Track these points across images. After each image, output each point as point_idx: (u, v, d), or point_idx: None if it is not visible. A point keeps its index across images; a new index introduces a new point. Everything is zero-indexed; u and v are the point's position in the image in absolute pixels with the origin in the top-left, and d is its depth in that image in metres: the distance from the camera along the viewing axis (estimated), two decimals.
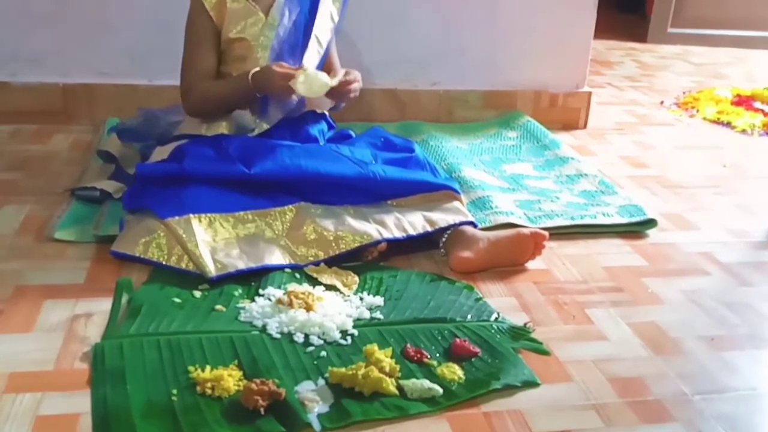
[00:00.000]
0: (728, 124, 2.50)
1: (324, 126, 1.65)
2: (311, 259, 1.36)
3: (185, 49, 1.57)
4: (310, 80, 1.46)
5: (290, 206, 1.42)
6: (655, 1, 3.83)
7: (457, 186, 1.54)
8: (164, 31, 2.01)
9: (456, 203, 1.49)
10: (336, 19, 1.65)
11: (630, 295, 1.38)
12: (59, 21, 2.00)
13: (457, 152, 2.00)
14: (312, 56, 1.60)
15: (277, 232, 1.39)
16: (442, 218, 1.44)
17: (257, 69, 1.49)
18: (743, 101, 2.72)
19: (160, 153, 1.50)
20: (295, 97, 1.53)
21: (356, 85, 1.54)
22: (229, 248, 1.34)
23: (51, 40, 2.02)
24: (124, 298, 1.24)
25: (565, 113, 2.35)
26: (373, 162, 1.50)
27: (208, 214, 1.37)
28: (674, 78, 3.16)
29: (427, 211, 1.46)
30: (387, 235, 1.40)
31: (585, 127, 2.37)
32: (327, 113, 1.68)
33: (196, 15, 1.55)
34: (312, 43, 1.60)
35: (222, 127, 1.53)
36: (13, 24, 1.99)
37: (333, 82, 1.49)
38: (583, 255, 1.52)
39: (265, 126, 1.54)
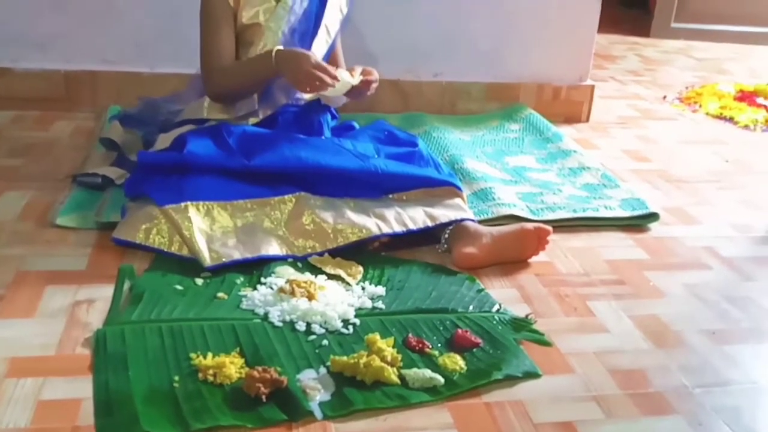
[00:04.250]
0: (731, 120, 2.49)
1: (328, 116, 1.65)
2: (309, 251, 1.36)
3: (204, 32, 1.54)
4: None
5: (290, 196, 1.42)
6: None
7: (459, 183, 1.54)
8: (168, 19, 2.01)
9: (458, 200, 1.49)
10: (345, 10, 1.65)
11: (632, 288, 1.38)
12: (63, 7, 2.00)
13: (459, 144, 1.99)
14: (320, 45, 1.59)
15: (275, 222, 1.39)
16: (444, 214, 1.44)
17: (281, 48, 1.48)
18: (746, 97, 2.72)
19: (163, 141, 1.50)
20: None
21: (374, 85, 1.56)
22: (226, 237, 1.34)
23: (54, 27, 2.01)
24: (126, 285, 1.24)
25: (568, 106, 2.34)
26: (376, 156, 1.50)
27: (206, 202, 1.36)
28: (677, 73, 3.15)
29: (429, 206, 1.45)
30: (386, 229, 1.39)
31: (587, 120, 2.37)
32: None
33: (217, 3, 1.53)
34: (321, 32, 1.59)
35: (224, 111, 1.53)
36: (17, 9, 1.99)
37: (355, 81, 1.50)
38: (585, 248, 1.52)
39: (269, 111, 1.54)
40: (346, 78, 1.50)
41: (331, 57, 1.63)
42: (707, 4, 3.81)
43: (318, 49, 1.58)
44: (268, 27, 1.54)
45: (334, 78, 1.45)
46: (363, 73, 1.54)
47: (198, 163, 1.40)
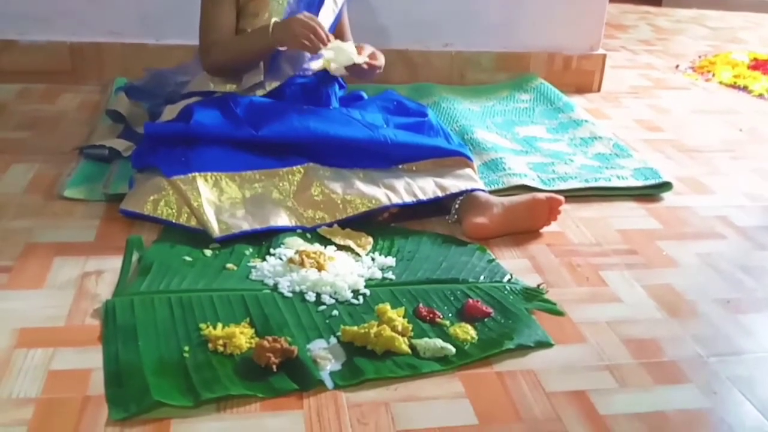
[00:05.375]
0: (745, 89, 2.46)
1: (336, 86, 1.63)
2: (318, 221, 1.35)
3: (204, 6, 1.52)
4: (339, 51, 1.46)
5: (298, 167, 1.40)
6: None
7: (469, 153, 1.52)
8: None
9: (468, 170, 1.47)
10: None
11: (644, 257, 1.36)
12: None
13: (469, 114, 1.97)
14: (327, 15, 1.57)
15: (284, 193, 1.37)
16: (454, 184, 1.42)
17: (277, 20, 1.46)
18: (760, 65, 2.67)
19: (170, 112, 1.48)
20: (308, 55, 1.51)
21: (378, 71, 1.55)
22: (235, 209, 1.33)
23: None
24: (135, 256, 1.23)
25: (579, 76, 2.31)
26: (385, 126, 1.47)
27: (214, 173, 1.35)
28: (690, 42, 3.10)
29: (439, 176, 1.44)
30: (396, 200, 1.38)
31: (599, 90, 2.33)
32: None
33: None
34: (328, 1, 1.56)
35: (230, 83, 1.51)
36: None
37: (360, 59, 1.49)
38: (597, 218, 1.50)
39: (275, 83, 1.52)
40: (351, 52, 1.48)
41: (337, 28, 1.61)
42: None
43: (325, 19, 1.55)
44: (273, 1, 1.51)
45: (327, 38, 1.44)
46: (370, 56, 1.52)
47: (205, 133, 1.38)
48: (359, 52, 1.51)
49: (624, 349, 1.09)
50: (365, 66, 1.51)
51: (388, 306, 1.11)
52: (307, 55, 1.52)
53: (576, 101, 2.14)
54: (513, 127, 1.93)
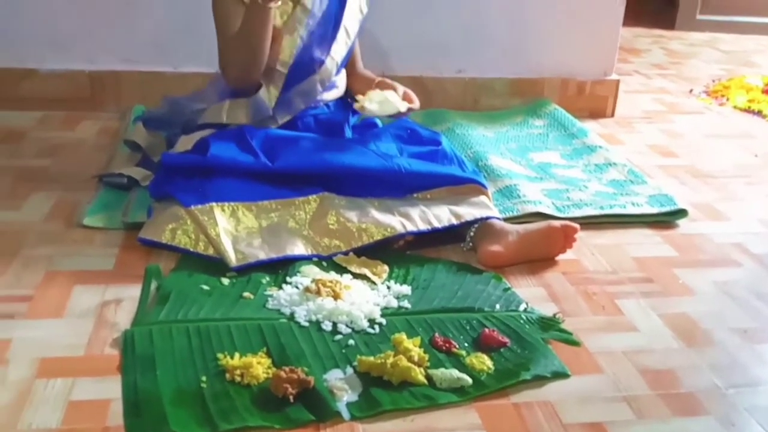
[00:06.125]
0: (759, 113, 2.45)
1: (349, 115, 1.64)
2: (333, 250, 1.36)
3: (219, 31, 1.53)
4: (385, 102, 1.52)
5: (314, 196, 1.42)
6: None
7: (484, 180, 1.52)
8: (189, 19, 2.02)
9: (483, 198, 1.48)
10: (364, 10, 1.64)
11: (660, 285, 1.36)
12: (86, 8, 2.01)
13: (483, 140, 1.98)
14: (340, 48, 1.59)
15: (300, 222, 1.38)
16: (469, 212, 1.43)
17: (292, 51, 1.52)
18: None
19: (185, 143, 1.50)
20: (320, 88, 1.53)
21: (413, 111, 1.60)
22: (251, 238, 1.34)
23: (78, 27, 2.03)
24: (153, 285, 1.25)
25: (593, 101, 2.32)
26: (399, 155, 1.49)
27: (231, 203, 1.37)
28: (703, 66, 3.10)
29: (454, 204, 1.44)
30: (411, 228, 1.38)
31: (613, 115, 2.34)
32: (350, 100, 1.67)
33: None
34: (341, 35, 1.58)
35: (242, 116, 1.52)
36: (40, 11, 2.00)
37: (403, 108, 1.54)
38: (612, 245, 1.50)
39: (287, 117, 1.54)
40: (396, 101, 1.53)
41: (350, 59, 1.63)
42: None
43: (338, 52, 1.58)
44: (286, 30, 1.52)
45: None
46: (406, 97, 1.57)
47: (222, 165, 1.40)
48: (399, 95, 1.57)
49: (641, 380, 1.08)
50: (407, 112, 1.54)
51: (404, 335, 1.11)
52: (319, 88, 1.54)
53: (590, 126, 2.15)
54: (527, 153, 1.94)
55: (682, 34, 3.72)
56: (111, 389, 0.99)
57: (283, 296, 1.22)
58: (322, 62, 1.55)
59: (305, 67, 1.53)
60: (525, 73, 2.26)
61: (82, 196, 1.55)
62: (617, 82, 2.32)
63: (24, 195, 1.55)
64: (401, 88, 1.60)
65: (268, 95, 1.52)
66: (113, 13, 2.03)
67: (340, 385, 1.02)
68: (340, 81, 1.65)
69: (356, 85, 1.67)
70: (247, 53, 1.49)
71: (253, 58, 1.49)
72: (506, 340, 1.14)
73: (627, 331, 1.21)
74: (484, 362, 1.08)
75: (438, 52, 2.20)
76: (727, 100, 2.58)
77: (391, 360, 1.03)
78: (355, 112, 1.68)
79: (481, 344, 1.13)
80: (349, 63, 1.64)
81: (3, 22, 2.00)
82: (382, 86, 1.61)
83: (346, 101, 1.67)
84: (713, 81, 2.82)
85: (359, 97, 1.54)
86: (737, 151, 2.11)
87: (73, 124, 1.98)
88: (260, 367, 1.03)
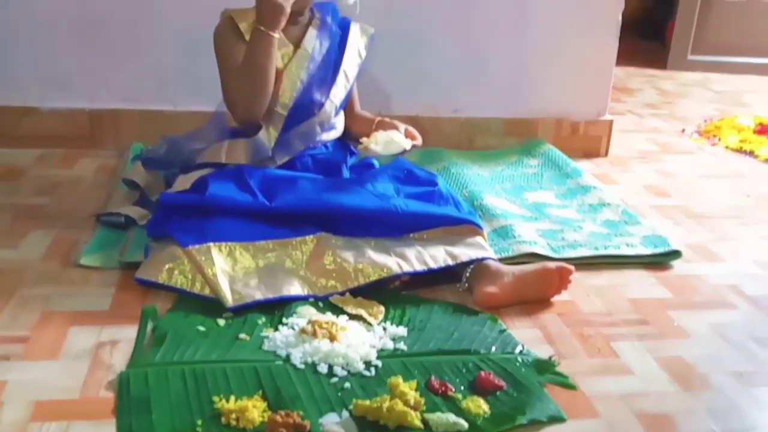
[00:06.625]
0: (751, 153, 2.48)
1: (346, 154, 1.66)
2: (330, 290, 1.36)
3: (223, 69, 1.56)
4: (389, 143, 1.54)
5: (311, 236, 1.43)
6: (675, 28, 3.83)
7: (479, 220, 1.54)
8: (189, 58, 2.05)
9: (478, 238, 1.49)
10: (363, 55, 1.67)
11: (656, 328, 1.36)
12: (87, 46, 2.04)
13: (478, 180, 2.00)
14: (339, 91, 1.61)
15: (296, 262, 1.39)
16: (464, 253, 1.44)
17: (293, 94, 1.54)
18: (766, 130, 2.71)
19: (183, 182, 1.51)
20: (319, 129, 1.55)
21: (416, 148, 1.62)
22: (248, 278, 1.34)
23: (79, 65, 2.05)
24: (149, 326, 1.25)
25: (587, 141, 2.35)
26: (396, 196, 1.50)
27: (228, 243, 1.37)
28: (695, 105, 3.15)
29: (449, 245, 1.46)
30: (407, 268, 1.39)
31: (606, 155, 2.37)
32: (350, 142, 1.69)
33: (231, 38, 1.55)
34: (340, 78, 1.61)
35: (240, 156, 1.53)
36: (41, 50, 2.03)
37: (408, 146, 1.55)
38: (607, 286, 1.51)
39: (285, 158, 1.55)
40: (401, 140, 1.54)
41: (348, 102, 1.65)
42: (724, 36, 3.82)
43: (337, 95, 1.60)
44: (287, 73, 1.55)
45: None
46: (407, 134, 1.58)
47: (220, 205, 1.41)
48: (402, 133, 1.58)
49: (637, 424, 1.08)
50: (411, 149, 1.56)
51: (400, 379, 1.11)
52: (318, 129, 1.56)
53: (584, 166, 2.17)
54: (522, 193, 1.96)
55: (673, 73, 3.78)
56: None
57: (279, 338, 1.22)
58: (321, 105, 1.57)
59: (305, 109, 1.55)
60: (520, 114, 2.29)
61: (80, 234, 1.55)
62: (611, 122, 2.35)
63: (22, 233, 1.55)
64: (402, 126, 1.61)
65: (268, 136, 1.54)
66: (113, 52, 2.06)
67: (336, 430, 1.01)
68: (339, 122, 1.67)
69: (355, 126, 1.69)
70: (254, 86, 1.50)
71: (259, 90, 1.50)
72: (502, 383, 1.14)
73: (623, 375, 1.21)
74: (480, 406, 1.08)
75: (434, 92, 2.23)
76: (719, 140, 2.61)
77: (387, 404, 1.03)
78: (353, 152, 1.70)
79: (477, 387, 1.13)
80: (347, 104, 1.66)
81: (5, 61, 2.03)
82: (383, 126, 1.63)
83: (344, 142, 1.70)
84: (705, 121, 2.86)
85: (363, 139, 1.55)
86: (730, 191, 2.13)
87: (71, 161, 2.00)
88: (256, 410, 1.03)
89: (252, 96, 1.51)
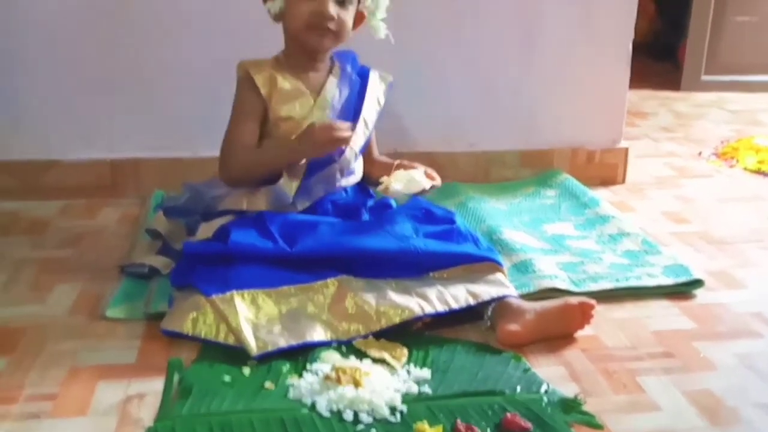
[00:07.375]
0: None
1: (365, 197, 1.68)
2: (353, 334, 1.37)
3: (231, 121, 1.61)
4: (411, 182, 1.55)
5: (332, 279, 1.44)
6: (687, 49, 3.83)
7: (499, 257, 1.54)
8: (207, 105, 2.07)
9: (499, 275, 1.49)
10: (382, 102, 1.70)
11: (681, 360, 1.35)
12: (107, 95, 2.08)
13: (495, 213, 2.00)
14: (359, 138, 1.63)
15: (319, 306, 1.40)
16: (485, 291, 1.44)
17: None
18: None
19: (205, 230, 1.54)
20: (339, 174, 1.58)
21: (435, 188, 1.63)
22: (271, 325, 1.36)
23: (99, 116, 2.09)
24: (176, 378, 1.26)
25: (603, 169, 2.35)
26: (414, 235, 1.51)
27: (251, 290, 1.39)
28: (711, 127, 3.14)
29: (470, 283, 1.46)
30: (429, 309, 1.40)
31: (623, 182, 2.36)
32: (369, 186, 1.71)
33: (246, 90, 1.60)
34: (359, 126, 1.63)
35: (261, 203, 1.56)
36: (65, 102, 2.07)
37: (427, 186, 1.57)
38: (630, 318, 1.50)
39: (307, 204, 1.58)
40: (421, 180, 1.56)
41: (368, 146, 1.68)
42: (737, 55, 3.81)
43: (356, 142, 1.62)
44: (307, 122, 1.58)
45: (347, 130, 1.52)
46: (426, 175, 1.60)
47: (243, 252, 1.43)
48: (424, 174, 1.59)
49: None
50: (431, 189, 1.58)
51: (426, 424, 1.11)
52: (339, 176, 1.58)
53: (601, 194, 2.17)
54: (540, 225, 1.96)
55: (687, 95, 3.77)
56: None
57: (304, 385, 1.23)
58: (341, 152, 1.59)
59: (325, 157, 1.58)
60: (535, 145, 2.30)
61: (105, 285, 1.57)
62: (626, 149, 2.35)
63: (48, 287, 1.58)
64: (421, 168, 1.63)
65: (290, 184, 1.56)
66: (133, 101, 2.10)
67: None
68: (358, 167, 1.70)
69: (374, 171, 1.71)
70: (256, 175, 1.57)
71: (258, 179, 1.57)
72: (528, 425, 1.13)
73: (650, 411, 1.20)
74: None
75: (450, 127, 2.25)
76: (737, 161, 2.60)
77: None
78: (371, 195, 1.71)
79: (503, 429, 1.13)
80: (366, 150, 1.69)
81: (29, 116, 2.07)
82: (403, 168, 1.64)
83: (363, 185, 1.71)
84: (722, 142, 2.85)
85: (384, 178, 1.56)
86: (750, 214, 2.12)
87: (94, 212, 2.03)
88: None
89: (249, 178, 1.58)
